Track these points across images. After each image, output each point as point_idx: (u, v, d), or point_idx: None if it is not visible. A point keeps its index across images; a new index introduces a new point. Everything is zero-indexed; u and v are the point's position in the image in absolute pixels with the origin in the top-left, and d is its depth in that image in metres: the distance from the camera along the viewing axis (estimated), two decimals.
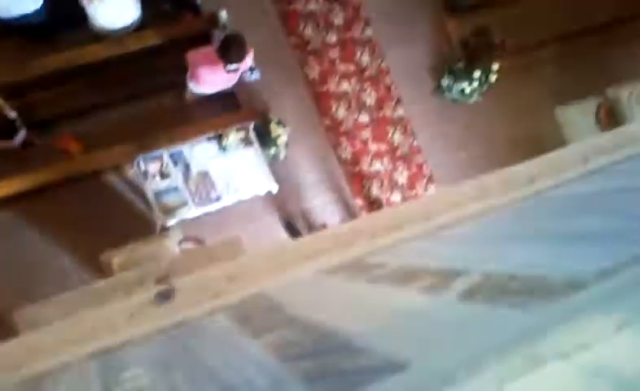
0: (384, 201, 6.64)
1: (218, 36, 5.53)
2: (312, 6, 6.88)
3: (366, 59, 6.95)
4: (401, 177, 6.78)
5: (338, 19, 6.94)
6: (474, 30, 7.00)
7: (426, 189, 6.80)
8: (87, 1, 5.08)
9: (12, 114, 5.14)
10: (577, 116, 7.03)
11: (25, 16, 5.26)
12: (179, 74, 5.45)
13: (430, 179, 6.87)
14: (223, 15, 5.58)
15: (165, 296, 1.87)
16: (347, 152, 6.67)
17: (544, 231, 1.63)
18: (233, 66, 4.98)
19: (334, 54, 6.85)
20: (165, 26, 5.67)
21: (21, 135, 5.26)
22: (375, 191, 6.63)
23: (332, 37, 6.89)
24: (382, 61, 6.98)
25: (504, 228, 1.94)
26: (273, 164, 5.97)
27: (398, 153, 6.82)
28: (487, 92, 6.89)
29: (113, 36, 5.49)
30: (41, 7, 5.29)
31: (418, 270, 1.53)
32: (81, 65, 5.47)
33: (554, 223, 1.72)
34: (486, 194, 2.22)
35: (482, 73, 6.63)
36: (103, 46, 5.51)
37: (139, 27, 5.57)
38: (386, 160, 6.76)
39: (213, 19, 5.65)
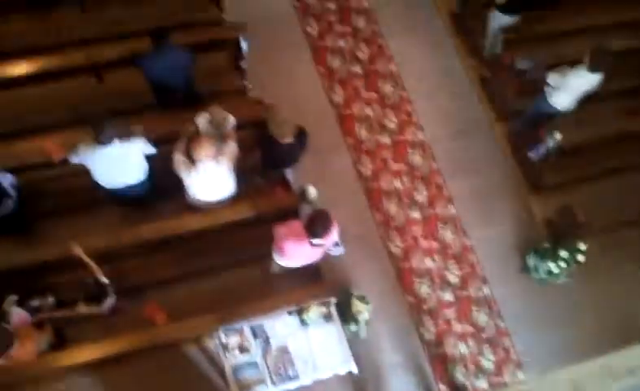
0: (469, 387, 6.31)
1: (305, 210, 5.69)
2: (397, 184, 7.07)
3: (449, 236, 6.96)
4: (487, 361, 6.48)
5: (421, 196, 7.06)
6: (558, 209, 6.95)
7: (514, 375, 6.43)
8: (185, 174, 5.35)
9: (104, 280, 5.30)
10: None
11: (129, 187, 5.63)
12: (265, 246, 5.57)
13: (518, 365, 6.53)
14: (312, 191, 5.80)
15: None
16: (430, 332, 6.49)
17: None
18: (318, 240, 5.05)
19: (417, 230, 6.91)
20: (257, 200, 5.92)
21: (110, 301, 5.39)
22: (460, 376, 6.33)
23: (415, 213, 6.98)
24: (465, 238, 6.96)
25: None
26: (353, 341, 5.83)
27: (484, 335, 6.58)
28: (576, 272, 6.66)
29: (206, 208, 5.75)
30: (144, 179, 5.65)
31: None
32: (172, 235, 5.71)
33: None
34: (581, 386, 2.07)
35: (569, 253, 6.46)
36: (195, 217, 5.79)
37: (232, 199, 5.81)
38: (471, 341, 6.52)
39: (302, 195, 5.86)
